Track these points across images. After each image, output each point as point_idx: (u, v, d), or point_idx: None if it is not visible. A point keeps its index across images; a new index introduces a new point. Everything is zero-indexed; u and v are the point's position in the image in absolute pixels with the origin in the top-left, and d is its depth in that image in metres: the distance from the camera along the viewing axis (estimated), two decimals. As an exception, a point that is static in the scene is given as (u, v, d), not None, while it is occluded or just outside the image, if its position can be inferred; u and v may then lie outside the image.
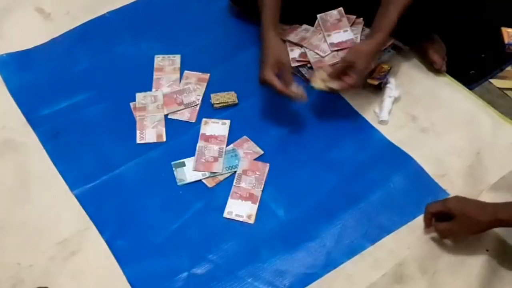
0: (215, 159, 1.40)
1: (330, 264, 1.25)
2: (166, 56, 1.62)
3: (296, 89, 1.38)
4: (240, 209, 1.32)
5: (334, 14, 1.57)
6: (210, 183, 1.37)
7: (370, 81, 1.52)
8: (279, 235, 1.29)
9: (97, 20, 1.73)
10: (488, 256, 1.23)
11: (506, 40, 1.69)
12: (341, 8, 1.57)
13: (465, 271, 1.22)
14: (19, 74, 1.60)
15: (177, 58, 1.62)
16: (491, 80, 1.61)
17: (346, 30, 1.55)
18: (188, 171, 1.39)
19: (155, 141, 1.45)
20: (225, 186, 1.36)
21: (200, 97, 1.53)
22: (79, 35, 1.69)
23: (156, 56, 1.62)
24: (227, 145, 1.43)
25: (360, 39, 1.54)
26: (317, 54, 1.53)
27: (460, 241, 1.24)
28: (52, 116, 1.50)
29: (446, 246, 1.26)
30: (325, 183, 1.37)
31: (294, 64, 1.54)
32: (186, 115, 1.50)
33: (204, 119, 1.48)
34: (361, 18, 1.58)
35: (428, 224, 1.26)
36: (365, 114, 1.50)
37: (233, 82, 1.56)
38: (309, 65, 1.54)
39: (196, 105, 1.52)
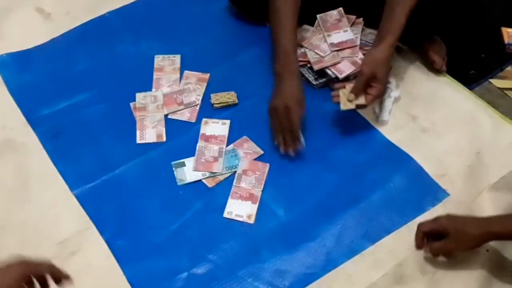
0: (215, 159, 1.40)
1: (330, 264, 1.25)
2: (166, 56, 1.62)
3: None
4: (240, 209, 1.32)
5: (334, 14, 1.57)
6: (210, 183, 1.37)
7: (370, 81, 1.51)
8: (279, 235, 1.29)
9: (97, 20, 1.73)
10: (488, 256, 1.23)
11: (506, 40, 1.69)
12: (341, 8, 1.57)
13: (465, 272, 1.22)
14: (19, 74, 1.60)
15: (177, 58, 1.62)
16: (491, 80, 1.61)
17: (346, 30, 1.55)
18: (188, 171, 1.39)
19: (155, 141, 1.45)
20: (225, 186, 1.36)
21: (200, 97, 1.53)
22: (79, 35, 1.69)
23: (156, 56, 1.62)
24: (227, 145, 1.43)
25: (360, 40, 1.54)
26: (317, 54, 1.53)
27: (454, 257, 1.22)
28: (52, 116, 1.50)
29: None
30: (325, 183, 1.37)
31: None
32: (186, 115, 1.50)
33: (204, 119, 1.48)
34: (361, 18, 1.58)
35: (419, 244, 1.22)
36: (365, 114, 1.49)
37: (233, 82, 1.56)
38: (309, 65, 1.54)
39: (196, 105, 1.52)
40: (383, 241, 1.28)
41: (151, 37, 1.68)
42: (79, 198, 1.35)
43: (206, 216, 1.32)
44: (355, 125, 1.48)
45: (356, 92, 1.37)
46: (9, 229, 1.30)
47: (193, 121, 1.49)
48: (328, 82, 1.53)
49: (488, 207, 1.31)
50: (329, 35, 1.55)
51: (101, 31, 1.70)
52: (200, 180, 1.38)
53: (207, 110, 1.51)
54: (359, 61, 1.49)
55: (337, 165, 1.40)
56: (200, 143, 1.43)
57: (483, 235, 1.15)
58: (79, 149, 1.44)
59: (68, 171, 1.39)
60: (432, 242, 1.21)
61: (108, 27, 1.71)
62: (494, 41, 1.70)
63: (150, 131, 1.46)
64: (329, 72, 1.50)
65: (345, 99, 1.38)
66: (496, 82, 1.61)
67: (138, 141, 1.45)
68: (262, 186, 1.36)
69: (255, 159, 1.41)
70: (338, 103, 1.38)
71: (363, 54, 1.50)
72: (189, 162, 1.40)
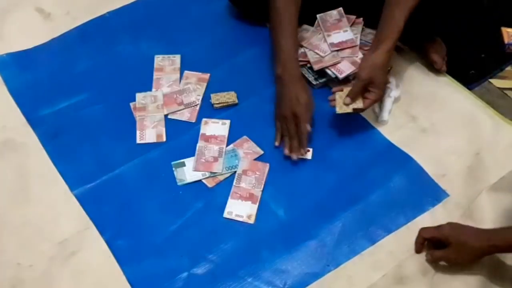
0: (215, 159, 1.40)
1: (330, 264, 1.25)
2: (166, 56, 1.62)
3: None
4: (240, 209, 1.32)
5: (334, 14, 1.57)
6: (210, 183, 1.37)
7: (370, 81, 1.51)
8: (279, 235, 1.29)
9: (97, 20, 1.73)
10: (488, 257, 1.23)
11: (506, 40, 1.69)
12: (340, 8, 1.57)
13: (464, 273, 1.22)
14: (19, 74, 1.60)
15: (177, 58, 1.62)
16: (491, 80, 1.61)
17: (346, 30, 1.55)
18: (188, 171, 1.39)
19: (155, 141, 1.45)
20: (225, 186, 1.36)
21: (200, 97, 1.53)
22: (79, 35, 1.69)
23: (156, 56, 1.62)
24: (227, 145, 1.43)
25: (360, 40, 1.54)
26: (317, 54, 1.53)
27: (454, 267, 1.23)
28: (52, 116, 1.50)
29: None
30: (325, 183, 1.37)
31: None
32: (186, 115, 1.50)
33: (204, 119, 1.48)
34: (361, 18, 1.58)
35: (419, 249, 1.24)
36: (365, 114, 1.49)
37: (233, 82, 1.56)
38: (309, 65, 1.54)
39: (196, 105, 1.52)
40: (383, 241, 1.28)
41: (151, 37, 1.68)
42: (79, 198, 1.35)
43: (206, 216, 1.32)
44: (355, 125, 1.48)
45: (353, 96, 1.37)
46: (9, 229, 1.30)
47: (193, 121, 1.49)
48: (328, 82, 1.53)
49: (487, 207, 1.31)
50: (329, 35, 1.55)
51: (101, 31, 1.70)
52: (200, 180, 1.38)
53: (207, 110, 1.51)
54: (359, 61, 1.49)
55: (337, 165, 1.40)
56: (200, 143, 1.43)
57: (485, 249, 1.15)
58: (79, 149, 1.44)
59: (68, 171, 1.39)
60: (433, 250, 1.22)
61: (108, 27, 1.71)
62: (494, 41, 1.70)
63: (150, 131, 1.46)
64: (329, 72, 1.50)
65: (342, 103, 1.38)
66: (496, 82, 1.61)
67: (138, 141, 1.45)
68: (262, 186, 1.36)
69: (255, 159, 1.41)
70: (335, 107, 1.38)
71: (363, 54, 1.50)
72: (189, 162, 1.40)
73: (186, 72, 1.59)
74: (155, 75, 1.58)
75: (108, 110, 1.51)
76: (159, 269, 1.25)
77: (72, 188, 1.36)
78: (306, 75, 1.53)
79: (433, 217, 1.31)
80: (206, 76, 1.58)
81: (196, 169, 1.39)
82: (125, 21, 1.73)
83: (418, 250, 1.24)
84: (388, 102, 1.49)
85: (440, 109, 1.51)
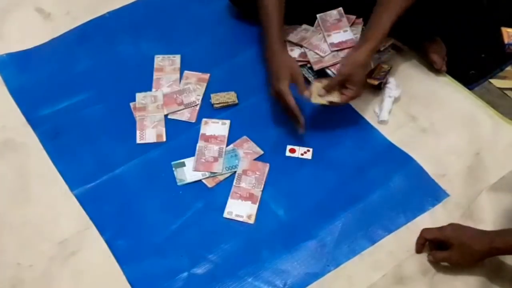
0: (215, 159, 1.40)
1: (330, 264, 1.25)
2: (166, 56, 1.62)
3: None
4: (240, 209, 1.32)
5: (333, 14, 1.57)
6: (210, 183, 1.37)
7: (370, 81, 1.52)
8: (279, 235, 1.29)
9: (97, 20, 1.73)
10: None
11: (506, 40, 1.69)
12: (340, 8, 1.57)
13: (464, 273, 1.22)
14: (19, 74, 1.60)
15: (177, 58, 1.62)
16: (491, 80, 1.61)
17: (346, 30, 1.55)
18: (188, 171, 1.39)
19: (155, 141, 1.45)
20: (225, 186, 1.36)
21: (200, 97, 1.53)
22: (79, 35, 1.69)
23: (156, 56, 1.62)
24: (227, 145, 1.43)
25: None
26: (317, 54, 1.53)
27: (454, 267, 1.23)
28: (52, 116, 1.50)
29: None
30: (325, 183, 1.37)
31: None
32: (186, 115, 1.50)
33: (204, 119, 1.48)
34: (361, 18, 1.58)
35: (419, 249, 1.24)
36: (365, 114, 1.50)
37: (233, 82, 1.56)
38: (309, 65, 1.54)
39: (196, 105, 1.52)
40: (383, 241, 1.28)
41: (151, 37, 1.68)
42: (79, 198, 1.35)
43: (206, 216, 1.32)
44: (355, 125, 1.48)
45: (328, 89, 1.38)
46: (9, 229, 1.31)
47: (193, 121, 1.49)
48: (328, 82, 1.53)
49: (487, 207, 1.31)
50: (329, 35, 1.55)
51: (101, 31, 1.70)
52: (200, 180, 1.38)
53: (207, 110, 1.51)
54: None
55: (337, 165, 1.41)
56: (200, 143, 1.43)
57: (486, 251, 1.16)
58: (79, 149, 1.44)
59: (68, 171, 1.39)
60: (434, 251, 1.22)
61: (108, 27, 1.71)
62: (494, 41, 1.70)
63: (150, 131, 1.46)
64: (329, 72, 1.50)
65: (317, 94, 1.39)
66: (496, 82, 1.61)
67: (138, 141, 1.45)
68: (262, 186, 1.36)
69: (255, 159, 1.41)
70: (308, 97, 1.39)
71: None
72: (189, 162, 1.40)
73: (186, 72, 1.59)
74: (155, 75, 1.58)
75: (108, 110, 1.51)
76: (159, 269, 1.25)
77: (72, 188, 1.36)
78: (306, 75, 1.53)
79: (433, 217, 1.31)
80: (206, 76, 1.58)
81: (196, 169, 1.39)
82: (125, 21, 1.73)
83: (418, 251, 1.25)
84: (388, 102, 1.49)
85: (440, 109, 1.51)
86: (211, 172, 1.38)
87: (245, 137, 1.45)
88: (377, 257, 1.26)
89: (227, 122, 1.47)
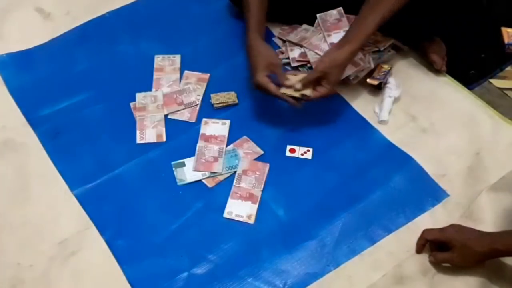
0: (215, 159, 1.40)
1: (330, 264, 1.25)
2: (166, 56, 1.62)
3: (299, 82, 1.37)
4: (240, 209, 1.32)
5: (333, 14, 1.57)
6: (210, 183, 1.37)
7: (370, 81, 1.52)
8: (279, 235, 1.29)
9: (97, 20, 1.73)
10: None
11: (506, 40, 1.69)
12: (340, 8, 1.57)
13: (464, 273, 1.22)
14: (19, 74, 1.60)
15: (177, 58, 1.62)
16: (491, 80, 1.61)
17: (346, 30, 1.55)
18: (188, 171, 1.39)
19: (155, 141, 1.45)
20: (225, 186, 1.36)
21: (200, 97, 1.53)
22: (79, 35, 1.70)
23: (156, 56, 1.62)
24: (227, 145, 1.43)
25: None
26: (317, 54, 1.53)
27: (455, 269, 1.23)
28: (52, 116, 1.50)
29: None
30: (325, 183, 1.37)
31: (294, 64, 1.55)
32: (186, 115, 1.50)
33: (204, 119, 1.48)
34: (361, 18, 1.58)
35: (420, 249, 1.24)
36: (365, 114, 1.50)
37: (233, 82, 1.56)
38: (309, 65, 1.54)
39: (196, 105, 1.52)
40: (383, 241, 1.28)
41: (151, 37, 1.68)
42: (79, 198, 1.35)
43: (206, 216, 1.32)
44: (355, 125, 1.48)
45: (304, 83, 1.36)
46: (9, 229, 1.31)
47: (193, 121, 1.49)
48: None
49: (487, 207, 1.31)
50: (329, 35, 1.55)
51: (101, 31, 1.70)
52: (200, 180, 1.38)
53: (207, 110, 1.51)
54: (359, 61, 1.49)
55: (337, 165, 1.41)
56: (200, 143, 1.43)
57: (487, 252, 1.16)
58: (79, 149, 1.44)
59: (68, 171, 1.39)
60: (435, 251, 1.22)
61: (108, 27, 1.71)
62: (494, 41, 1.70)
63: (150, 131, 1.46)
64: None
65: (290, 85, 1.37)
66: (496, 82, 1.61)
67: (138, 141, 1.45)
68: (262, 186, 1.36)
69: (255, 159, 1.41)
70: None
71: (363, 54, 1.50)
72: (189, 162, 1.40)
73: (186, 72, 1.59)
74: (155, 75, 1.58)
75: (108, 110, 1.51)
76: (159, 269, 1.25)
77: (72, 188, 1.36)
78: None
79: (433, 217, 1.31)
80: (206, 76, 1.58)
81: (196, 169, 1.39)
82: (125, 21, 1.73)
83: (419, 251, 1.25)
84: (388, 102, 1.49)
85: (440, 109, 1.51)
86: (211, 172, 1.38)
87: (245, 137, 1.45)
88: (377, 257, 1.26)
89: (227, 122, 1.47)
